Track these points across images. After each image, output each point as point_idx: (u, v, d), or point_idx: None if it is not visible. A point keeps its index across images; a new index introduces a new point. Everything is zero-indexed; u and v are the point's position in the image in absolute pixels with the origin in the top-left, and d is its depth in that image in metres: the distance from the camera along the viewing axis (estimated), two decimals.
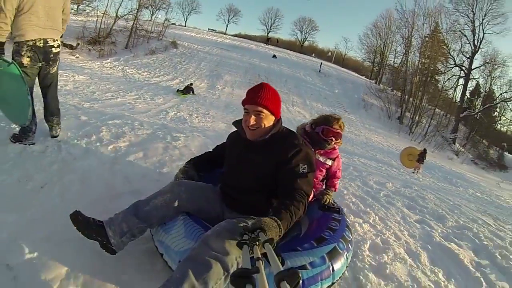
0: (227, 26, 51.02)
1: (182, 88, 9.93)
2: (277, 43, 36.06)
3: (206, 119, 6.81)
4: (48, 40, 2.23)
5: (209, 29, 41.09)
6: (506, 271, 2.49)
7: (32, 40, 2.13)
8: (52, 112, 2.51)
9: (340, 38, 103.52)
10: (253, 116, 1.39)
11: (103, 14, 14.83)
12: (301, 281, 0.69)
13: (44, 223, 1.54)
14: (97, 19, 13.95)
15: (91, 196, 1.91)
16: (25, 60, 2.15)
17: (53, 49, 2.29)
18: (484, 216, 4.59)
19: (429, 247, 2.53)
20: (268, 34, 46.76)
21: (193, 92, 10.09)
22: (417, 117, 20.76)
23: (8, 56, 2.07)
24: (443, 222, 3.42)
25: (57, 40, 2.33)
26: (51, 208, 1.69)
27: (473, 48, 24.52)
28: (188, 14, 46.35)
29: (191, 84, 10.55)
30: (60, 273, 1.28)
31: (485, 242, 3.03)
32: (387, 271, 1.93)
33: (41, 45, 2.19)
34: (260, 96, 1.38)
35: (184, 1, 46.25)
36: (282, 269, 0.71)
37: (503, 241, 3.30)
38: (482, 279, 2.23)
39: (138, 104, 6.56)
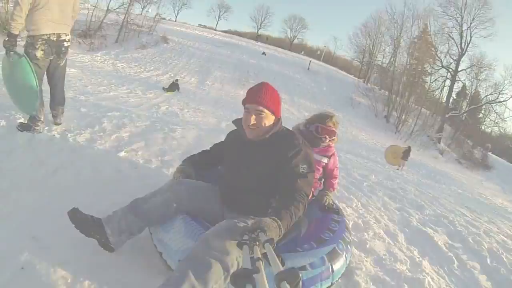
0: (217, 22, 50.58)
1: (167, 86, 9.80)
2: (267, 40, 35.98)
3: (196, 114, 6.92)
4: (61, 34, 2.39)
5: (199, 24, 40.55)
6: (478, 253, 2.76)
7: (47, 34, 2.28)
8: (59, 101, 2.66)
9: (330, 36, 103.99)
10: (253, 116, 1.39)
11: (94, 7, 14.65)
12: (301, 281, 0.70)
13: (61, 202, 1.66)
14: (87, 12, 13.77)
15: (102, 178, 2.08)
16: (39, 53, 2.29)
17: (65, 43, 2.45)
18: (462, 208, 4.93)
19: (406, 230, 2.81)
20: (258, 31, 47.16)
21: (178, 89, 9.98)
22: (403, 116, 21.30)
23: (19, 49, 2.21)
24: (422, 210, 3.72)
25: (68, 35, 2.48)
26: (66, 189, 1.85)
27: (460, 51, 25.38)
28: (178, 9, 44.78)
29: (177, 80, 10.41)
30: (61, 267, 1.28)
31: (460, 229, 3.33)
32: (367, 246, 2.19)
33: (54, 39, 2.34)
34: (261, 95, 1.39)
35: None
36: (282, 269, 0.72)
37: (478, 229, 3.62)
38: (454, 258, 2.49)
39: (130, 98, 6.62)
